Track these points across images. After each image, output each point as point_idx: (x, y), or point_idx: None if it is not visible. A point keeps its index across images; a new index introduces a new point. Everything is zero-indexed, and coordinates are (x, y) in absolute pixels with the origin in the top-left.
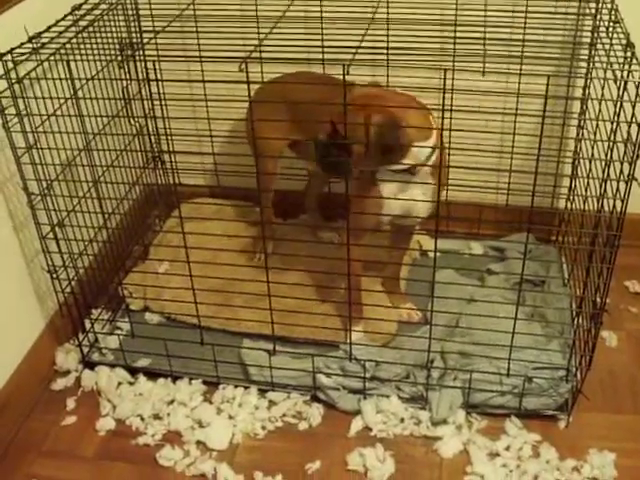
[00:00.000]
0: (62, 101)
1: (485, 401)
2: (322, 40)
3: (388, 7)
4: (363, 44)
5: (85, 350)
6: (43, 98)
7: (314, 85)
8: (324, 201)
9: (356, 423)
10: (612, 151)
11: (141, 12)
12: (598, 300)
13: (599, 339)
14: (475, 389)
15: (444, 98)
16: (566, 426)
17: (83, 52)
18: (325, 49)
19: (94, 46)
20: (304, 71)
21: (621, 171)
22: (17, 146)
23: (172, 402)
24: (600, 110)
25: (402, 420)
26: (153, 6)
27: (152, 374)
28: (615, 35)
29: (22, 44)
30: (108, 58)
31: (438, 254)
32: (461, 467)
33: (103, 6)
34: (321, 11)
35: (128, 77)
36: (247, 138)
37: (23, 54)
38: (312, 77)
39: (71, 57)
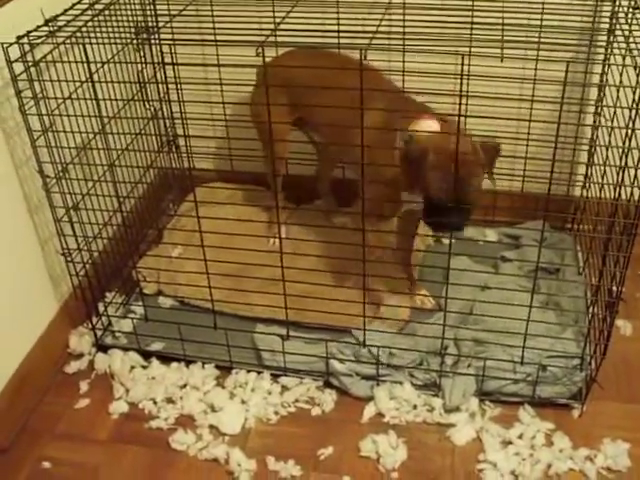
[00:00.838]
0: (78, 84)
1: (499, 389)
2: (338, 25)
3: None
4: (379, 29)
5: (99, 333)
6: (59, 81)
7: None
8: (337, 186)
9: (369, 409)
10: (630, 139)
11: None
12: (614, 289)
13: (614, 328)
14: (489, 377)
15: (461, 84)
16: (580, 415)
17: (99, 35)
18: (341, 34)
19: (110, 29)
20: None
21: (639, 159)
22: (33, 129)
23: (185, 386)
24: (618, 97)
25: (415, 407)
26: None
27: (165, 358)
28: (634, 21)
29: (38, 27)
30: (124, 42)
31: (453, 241)
32: (474, 455)
33: None
34: None
35: (143, 61)
36: (252, 121)
37: (39, 37)
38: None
39: (87, 40)
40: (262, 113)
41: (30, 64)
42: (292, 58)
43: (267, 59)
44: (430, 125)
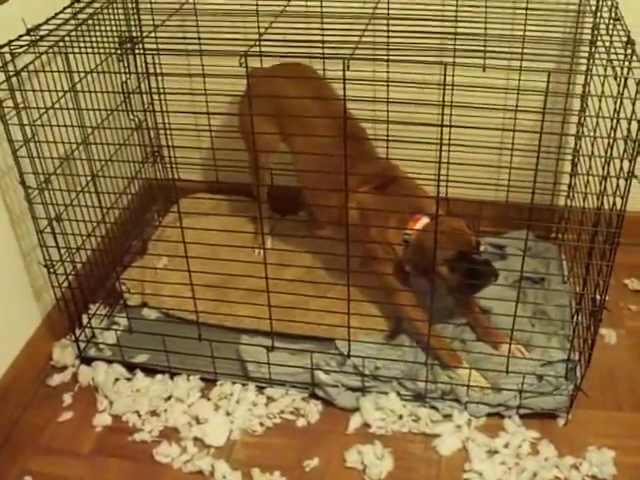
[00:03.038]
0: (60, 94)
1: (483, 398)
2: (322, 35)
3: (388, 3)
4: (363, 39)
5: (82, 345)
6: (41, 91)
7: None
8: None
9: (354, 420)
10: (612, 148)
11: (141, 6)
12: (598, 297)
13: (598, 337)
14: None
15: (444, 94)
16: (565, 423)
17: (82, 45)
18: (325, 44)
19: (93, 39)
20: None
21: (621, 168)
22: (14, 139)
23: (169, 398)
24: (600, 107)
25: (401, 417)
26: (153, 0)
27: (149, 370)
28: (615, 32)
29: (20, 36)
30: (107, 51)
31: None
32: (460, 464)
33: None
34: (321, 6)
35: (127, 71)
36: (240, 132)
37: (21, 46)
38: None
39: (70, 50)
40: (248, 124)
41: (11, 74)
42: (279, 72)
43: (258, 69)
44: (423, 222)
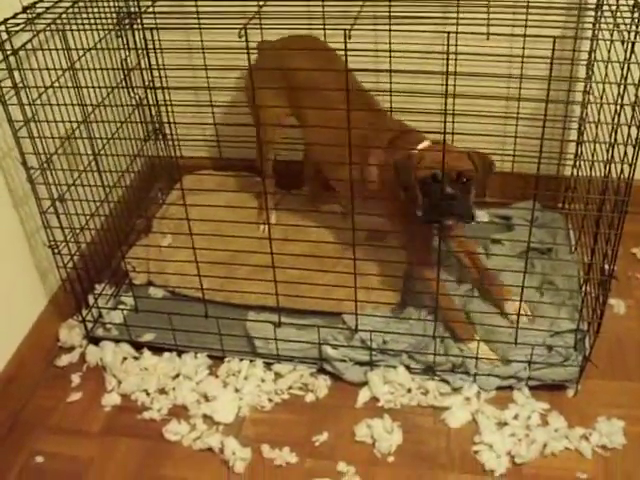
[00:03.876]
0: (59, 73)
1: (493, 370)
2: (323, 7)
3: None
4: (364, 10)
5: (89, 326)
6: (40, 70)
7: (316, 53)
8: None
9: (363, 394)
10: (619, 115)
11: None
12: (606, 267)
13: (607, 307)
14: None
15: (447, 63)
16: (574, 394)
17: (80, 22)
18: (326, 16)
19: (91, 16)
20: (301, 35)
21: (629, 135)
22: (14, 119)
23: (177, 376)
24: (607, 73)
25: (409, 390)
26: None
27: (157, 349)
28: None
29: (16, 14)
30: (106, 28)
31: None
32: (469, 436)
33: None
34: None
35: (127, 47)
36: (247, 105)
37: (18, 24)
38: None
39: (67, 27)
40: (256, 97)
41: (9, 53)
42: (289, 44)
43: (266, 42)
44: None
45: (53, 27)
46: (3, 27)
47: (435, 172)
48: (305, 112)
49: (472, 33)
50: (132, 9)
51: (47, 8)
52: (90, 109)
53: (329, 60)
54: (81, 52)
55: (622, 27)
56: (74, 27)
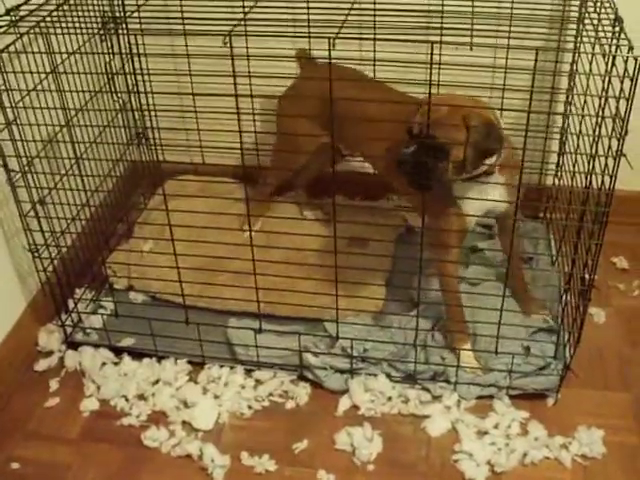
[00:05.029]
0: (42, 76)
1: (474, 379)
2: (308, 14)
3: None
4: (350, 18)
5: (68, 330)
6: (23, 72)
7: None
8: (312, 179)
9: (344, 402)
10: (600, 127)
11: None
12: (586, 276)
13: (587, 316)
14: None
15: (431, 73)
16: (554, 403)
17: (64, 26)
18: (311, 23)
19: (75, 19)
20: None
21: (609, 147)
22: None
23: (157, 382)
24: (588, 85)
25: (390, 399)
26: None
27: (137, 354)
28: (603, 10)
29: None
30: (90, 32)
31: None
32: (449, 445)
33: None
34: None
35: (111, 52)
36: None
37: (0, 27)
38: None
39: (51, 31)
40: (289, 126)
41: None
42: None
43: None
44: None
45: (37, 30)
46: None
47: (410, 127)
48: (360, 142)
49: (456, 43)
50: (117, 14)
51: (31, 11)
52: (73, 113)
53: (380, 90)
54: (65, 56)
55: (603, 40)
56: (58, 30)
